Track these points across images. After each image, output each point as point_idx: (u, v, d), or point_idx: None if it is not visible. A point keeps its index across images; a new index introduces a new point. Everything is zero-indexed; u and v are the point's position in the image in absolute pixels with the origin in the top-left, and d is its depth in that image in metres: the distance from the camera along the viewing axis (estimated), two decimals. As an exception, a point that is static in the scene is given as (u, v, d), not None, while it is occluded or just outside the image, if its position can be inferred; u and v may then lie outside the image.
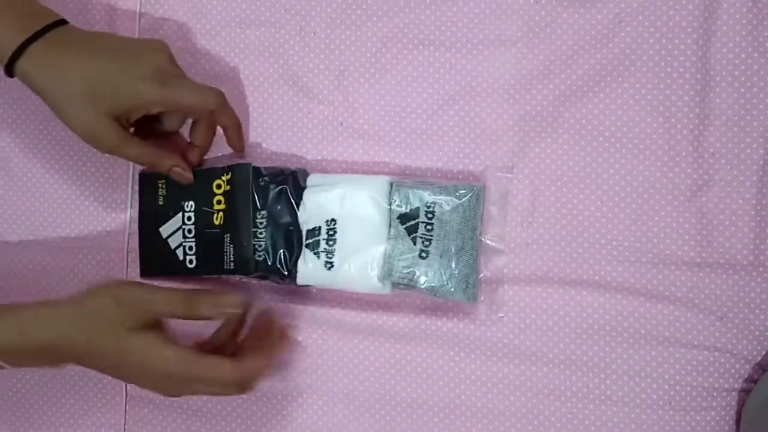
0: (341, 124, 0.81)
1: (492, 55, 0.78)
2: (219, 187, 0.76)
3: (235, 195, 0.75)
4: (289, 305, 0.80)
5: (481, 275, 0.75)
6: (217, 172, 0.76)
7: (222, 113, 0.72)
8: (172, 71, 0.69)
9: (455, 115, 0.79)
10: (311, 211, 0.74)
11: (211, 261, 0.76)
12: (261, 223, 0.75)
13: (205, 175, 0.77)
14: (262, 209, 0.75)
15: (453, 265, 0.72)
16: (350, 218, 0.73)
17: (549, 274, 0.78)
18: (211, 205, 0.76)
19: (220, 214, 0.76)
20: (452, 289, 0.72)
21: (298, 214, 0.74)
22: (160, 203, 0.79)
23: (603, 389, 0.77)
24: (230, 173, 0.75)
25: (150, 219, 0.79)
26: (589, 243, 0.77)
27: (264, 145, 0.82)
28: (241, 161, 0.76)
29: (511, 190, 0.77)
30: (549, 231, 0.78)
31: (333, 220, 0.73)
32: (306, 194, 0.74)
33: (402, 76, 0.80)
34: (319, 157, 0.81)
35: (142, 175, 0.79)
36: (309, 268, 0.73)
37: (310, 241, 0.74)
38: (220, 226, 0.76)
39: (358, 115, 0.81)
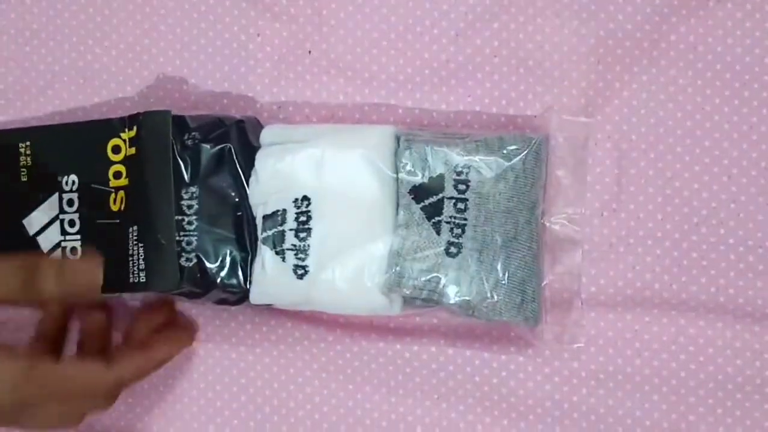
0: (309, 51, 0.62)
1: None
2: (117, 150, 0.58)
3: (144, 161, 0.57)
4: (238, 332, 0.63)
5: (545, 282, 0.59)
6: (113, 126, 0.58)
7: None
8: None
9: (493, 39, 0.61)
10: (269, 186, 0.57)
11: (113, 269, 0.57)
12: (190, 207, 0.57)
13: (93, 133, 0.59)
14: (191, 184, 0.57)
15: (500, 267, 0.56)
16: (333, 195, 0.56)
17: (649, 281, 0.59)
18: (105, 180, 0.58)
19: (120, 194, 0.58)
20: (500, 305, 0.56)
21: (248, 190, 0.58)
22: (23, 179, 0.59)
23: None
24: (135, 127, 0.57)
25: (7, 204, 0.60)
26: (708, 235, 0.59)
27: (192, 81, 0.64)
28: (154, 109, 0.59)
29: (590, 144, 0.59)
30: (644, 219, 0.59)
31: (305, 198, 0.56)
32: (260, 158, 0.57)
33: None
34: (275, 101, 0.63)
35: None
36: (268, 276, 0.57)
37: (270, 233, 0.57)
38: (119, 213, 0.57)
39: (337, 38, 0.62)
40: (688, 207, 0.57)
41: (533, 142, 0.57)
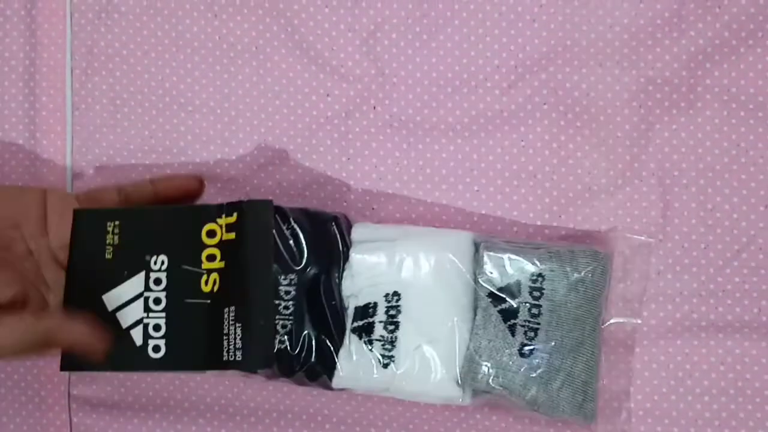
0: (374, 107, 0.68)
1: (595, 2, 0.66)
2: (212, 234, 0.59)
3: (244, 247, 0.58)
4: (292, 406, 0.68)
5: (601, 382, 0.63)
6: (209, 212, 0.59)
7: None
8: None
9: (542, 88, 0.67)
10: (362, 280, 0.61)
11: (196, 349, 0.58)
12: (287, 293, 0.60)
13: (188, 217, 0.60)
14: (290, 271, 0.60)
15: (567, 369, 0.59)
16: (420, 293, 0.60)
17: (696, 305, 0.65)
18: (198, 263, 0.58)
19: (213, 276, 0.58)
20: (563, 404, 0.59)
21: (343, 282, 0.61)
22: (107, 257, 0.59)
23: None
24: (236, 213, 0.58)
25: (86, 280, 0.59)
26: (749, 261, 0.64)
27: (262, 145, 0.69)
28: (254, 198, 0.63)
29: (654, 260, 0.65)
30: (690, 252, 0.65)
31: (396, 293, 0.60)
32: (354, 253, 0.61)
33: (462, 34, 0.66)
34: (347, 160, 0.68)
35: (79, 212, 0.60)
36: (354, 364, 0.60)
37: (360, 323, 0.60)
38: (211, 294, 0.58)
39: (399, 94, 0.67)
40: (729, 236, 0.63)
41: (600, 256, 0.60)
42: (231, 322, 0.57)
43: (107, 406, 0.69)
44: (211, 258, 0.59)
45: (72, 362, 0.58)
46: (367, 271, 0.60)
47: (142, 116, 0.68)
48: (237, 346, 0.57)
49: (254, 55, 0.67)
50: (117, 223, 0.59)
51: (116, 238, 0.59)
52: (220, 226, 0.59)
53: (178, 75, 0.67)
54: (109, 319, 0.58)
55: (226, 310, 0.57)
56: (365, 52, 0.66)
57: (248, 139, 0.67)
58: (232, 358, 0.57)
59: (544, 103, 0.65)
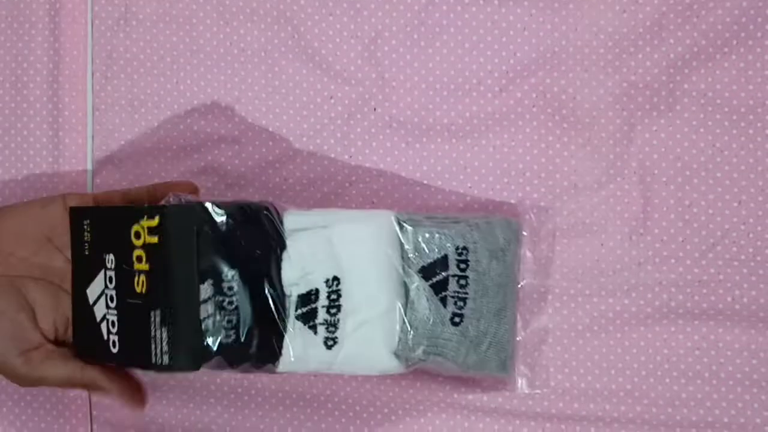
0: (375, 109, 0.72)
1: (581, 9, 0.69)
2: (138, 236, 0.59)
3: (167, 250, 0.58)
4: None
5: (519, 338, 0.69)
6: (135, 213, 0.59)
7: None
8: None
9: (531, 92, 0.70)
10: (302, 268, 0.62)
11: (135, 348, 0.59)
12: (230, 289, 0.59)
13: (122, 217, 0.60)
14: (231, 267, 0.59)
15: (493, 332, 0.64)
16: (357, 275, 0.62)
17: (674, 294, 0.69)
18: (131, 262, 0.59)
19: (142, 277, 0.59)
20: (491, 363, 0.65)
21: (283, 272, 0.62)
22: (86, 252, 0.62)
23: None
24: (158, 217, 0.58)
25: (78, 275, 0.63)
26: (723, 253, 0.68)
27: (270, 144, 0.73)
28: (183, 198, 0.61)
29: (634, 252, 0.69)
30: (669, 245, 0.69)
31: (336, 278, 0.62)
32: (291, 243, 0.62)
33: (457, 41, 0.70)
34: (348, 158, 0.72)
35: (73, 210, 0.63)
36: (301, 349, 0.61)
37: (304, 310, 0.61)
38: (141, 295, 0.59)
39: (398, 96, 0.71)
40: (705, 230, 0.67)
41: (513, 226, 0.66)
42: (157, 326, 0.58)
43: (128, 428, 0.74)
44: (139, 259, 0.59)
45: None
46: (306, 260, 0.62)
47: (158, 116, 0.72)
48: (163, 349, 0.57)
49: (263, 59, 0.71)
50: (88, 221, 0.62)
51: (89, 235, 0.62)
52: (143, 228, 0.58)
53: (191, 78, 0.71)
54: (89, 311, 0.62)
55: (152, 313, 0.58)
56: (366, 57, 0.70)
57: (257, 139, 0.71)
58: (159, 362, 0.58)
59: (533, 106, 0.69)
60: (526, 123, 0.69)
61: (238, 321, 0.59)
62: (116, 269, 0.60)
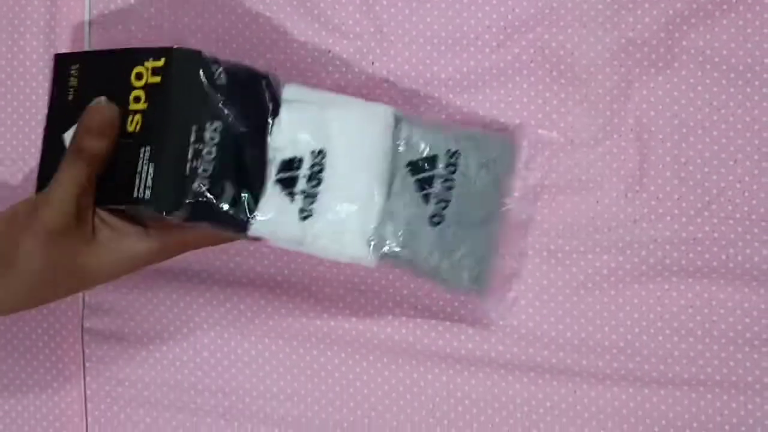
0: (372, 62, 0.72)
1: None
2: (140, 77, 0.59)
3: (167, 92, 0.59)
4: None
5: (497, 260, 0.68)
6: (140, 56, 0.60)
7: None
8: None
9: (529, 47, 0.70)
10: (290, 135, 0.61)
11: (117, 184, 0.59)
12: (212, 139, 0.59)
13: (123, 60, 0.60)
14: (217, 118, 0.59)
15: (471, 242, 0.64)
16: (344, 154, 0.62)
17: (668, 251, 0.69)
18: (126, 104, 0.60)
19: (137, 117, 0.59)
20: (463, 275, 0.65)
21: (270, 136, 0.61)
22: (70, 98, 0.62)
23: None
24: (163, 58, 0.59)
25: (56, 121, 0.63)
26: (719, 211, 0.69)
27: None
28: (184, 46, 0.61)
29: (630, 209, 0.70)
30: (664, 202, 0.69)
31: (321, 152, 0.62)
32: (285, 110, 0.61)
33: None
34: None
35: (58, 57, 0.64)
36: (274, 213, 0.60)
37: (285, 175, 0.61)
38: (133, 134, 0.59)
39: (396, 50, 0.72)
40: (701, 188, 0.67)
41: (508, 144, 0.67)
42: (145, 162, 0.58)
43: (118, 338, 0.75)
44: (137, 100, 0.59)
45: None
46: (295, 127, 0.61)
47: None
48: (147, 184, 0.58)
49: (261, 12, 0.71)
50: (77, 66, 0.62)
51: (75, 80, 0.62)
52: (147, 69, 0.59)
53: (189, 30, 0.72)
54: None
55: (143, 149, 0.59)
56: (365, 11, 0.71)
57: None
58: (141, 195, 0.58)
59: (531, 62, 0.69)
60: (523, 78, 0.70)
61: (213, 172, 0.59)
62: None
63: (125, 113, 0.59)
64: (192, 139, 0.58)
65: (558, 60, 0.69)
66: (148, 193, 0.57)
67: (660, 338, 0.68)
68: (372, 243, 0.61)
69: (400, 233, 0.62)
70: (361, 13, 0.70)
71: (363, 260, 0.62)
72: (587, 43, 0.69)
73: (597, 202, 0.68)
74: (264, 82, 0.61)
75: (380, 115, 0.63)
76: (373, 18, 0.70)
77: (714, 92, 0.68)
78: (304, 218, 0.61)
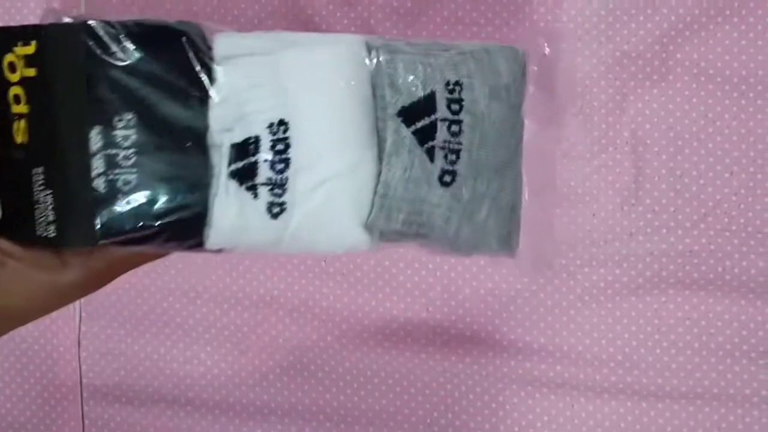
0: None
1: None
2: (13, 68, 0.45)
3: (48, 86, 0.44)
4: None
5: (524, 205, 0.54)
6: (7, 38, 0.45)
7: None
8: None
9: (532, 58, 0.65)
10: (235, 107, 0.46)
11: (19, 215, 0.46)
12: (126, 138, 0.44)
13: None
14: (126, 109, 0.44)
15: (494, 195, 0.49)
16: (311, 118, 0.46)
17: (665, 264, 0.69)
18: (6, 105, 0.45)
19: (22, 123, 0.45)
20: (489, 238, 0.50)
21: (210, 112, 0.46)
22: None
23: None
24: (34, 42, 0.44)
25: None
26: (715, 224, 0.68)
27: None
28: (70, 15, 0.45)
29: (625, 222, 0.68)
30: (660, 215, 0.69)
31: (282, 122, 0.46)
32: (222, 73, 0.46)
33: (450, 10, 0.70)
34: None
35: None
36: (235, 217, 0.46)
37: (240, 165, 0.46)
38: (23, 147, 0.45)
39: None
40: (697, 200, 0.68)
41: (519, 55, 0.51)
42: (40, 188, 0.45)
43: (117, 395, 0.75)
44: (17, 99, 0.45)
45: None
46: (242, 96, 0.46)
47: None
48: (49, 218, 0.45)
49: (256, 27, 0.71)
50: None
51: None
52: (18, 58, 0.45)
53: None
54: None
55: (35, 171, 0.45)
56: (359, 25, 0.70)
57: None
58: (44, 234, 0.45)
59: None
60: (519, 92, 0.69)
61: (139, 182, 0.45)
62: None
63: (7, 117, 0.45)
64: (97, 146, 0.44)
65: (553, 73, 0.69)
66: (52, 229, 0.45)
67: (657, 351, 0.68)
68: (370, 226, 0.47)
69: (404, 205, 0.48)
70: (356, 27, 0.71)
71: (361, 247, 0.48)
72: (581, 56, 0.69)
73: (593, 215, 0.68)
74: (184, 40, 0.45)
75: (347, 49, 0.47)
76: (369, 32, 0.70)
77: (709, 104, 0.68)
78: (276, 215, 0.46)
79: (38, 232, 0.44)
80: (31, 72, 0.44)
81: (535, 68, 0.50)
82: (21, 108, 0.44)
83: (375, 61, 0.47)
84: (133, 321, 0.73)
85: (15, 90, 0.44)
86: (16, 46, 0.44)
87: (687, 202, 0.68)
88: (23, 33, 0.43)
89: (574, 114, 0.69)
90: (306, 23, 0.71)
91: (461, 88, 0.48)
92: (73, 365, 0.74)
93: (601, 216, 0.68)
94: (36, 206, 0.44)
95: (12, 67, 0.44)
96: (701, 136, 0.68)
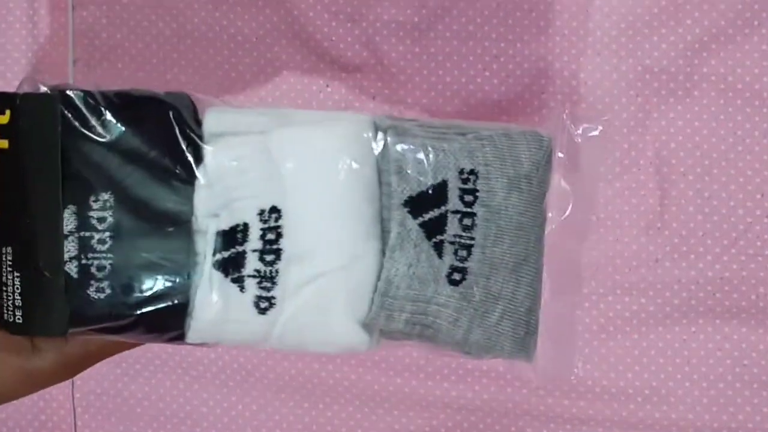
0: (373, 97, 0.69)
1: None
2: None
3: (20, 160, 0.42)
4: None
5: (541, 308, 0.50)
6: None
7: None
8: None
9: (540, 77, 0.67)
10: (225, 191, 0.44)
11: None
12: (101, 220, 0.43)
13: None
14: (103, 189, 0.43)
15: (508, 296, 0.46)
16: (308, 205, 0.44)
17: (694, 291, 0.66)
18: None
19: None
20: (503, 341, 0.46)
21: (196, 195, 0.44)
22: None
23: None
24: (8, 111, 0.42)
25: None
26: (746, 248, 0.66)
27: None
28: (47, 85, 0.43)
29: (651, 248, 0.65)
30: (688, 240, 0.66)
31: (275, 209, 0.44)
32: (210, 151, 0.44)
33: (460, 24, 0.67)
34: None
35: None
36: (218, 312, 0.44)
37: (226, 255, 0.44)
38: None
39: (398, 83, 0.68)
40: (726, 223, 0.65)
41: (545, 142, 0.47)
42: (8, 269, 0.43)
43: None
44: None
45: None
46: (231, 180, 0.44)
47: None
48: (16, 303, 0.43)
49: (254, 45, 0.68)
50: None
51: None
52: None
53: (179, 66, 0.69)
54: None
55: (3, 251, 0.43)
56: (364, 42, 0.67)
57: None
58: (11, 319, 0.43)
59: (542, 93, 0.67)
60: (534, 110, 0.67)
61: (114, 269, 0.43)
62: None
63: None
64: (70, 227, 0.42)
65: (571, 90, 0.66)
66: (19, 315, 0.42)
67: (687, 384, 0.64)
68: (369, 325, 0.45)
69: (407, 304, 0.45)
70: (360, 44, 0.68)
71: (359, 348, 0.45)
72: (601, 72, 0.66)
73: (616, 240, 0.65)
74: (171, 114, 0.43)
75: (352, 129, 0.44)
76: (374, 50, 0.68)
77: (738, 121, 0.65)
78: (264, 310, 0.44)
79: (5, 317, 0.42)
80: (3, 144, 0.42)
81: (562, 155, 0.46)
82: None
83: (382, 143, 0.44)
84: (130, 360, 0.70)
85: None
86: None
87: (716, 225, 0.65)
88: (3, 98, 0.42)
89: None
90: (307, 41, 0.67)
91: (476, 178, 0.45)
92: (66, 407, 0.71)
93: (625, 241, 0.65)
94: (3, 288, 0.42)
95: None
96: (730, 155, 0.65)
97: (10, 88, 0.68)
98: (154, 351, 0.69)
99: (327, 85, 0.68)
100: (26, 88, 0.42)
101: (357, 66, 0.68)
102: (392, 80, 0.68)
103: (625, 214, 0.65)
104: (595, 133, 0.46)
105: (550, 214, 0.46)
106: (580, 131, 0.47)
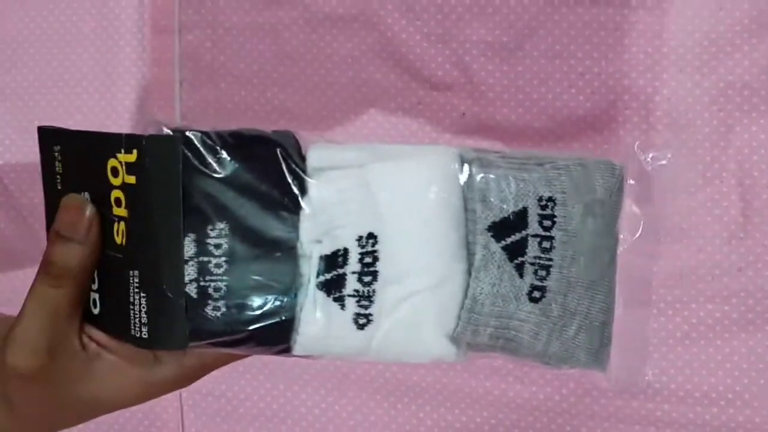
0: (463, 114, 0.72)
1: (675, 10, 0.68)
2: (116, 173, 0.47)
3: (146, 195, 0.46)
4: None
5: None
6: (111, 144, 0.47)
7: None
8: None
9: (624, 93, 0.70)
10: (327, 220, 0.48)
11: (116, 313, 0.48)
12: (218, 247, 0.47)
13: (99, 146, 0.48)
14: (220, 219, 0.47)
15: (584, 311, 0.50)
16: (401, 232, 0.48)
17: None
18: (109, 206, 0.48)
19: (122, 226, 0.47)
20: (579, 353, 0.50)
21: (302, 224, 0.48)
22: (59, 186, 0.50)
23: None
24: (135, 151, 0.46)
25: (52, 213, 0.50)
26: None
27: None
28: (171, 127, 0.47)
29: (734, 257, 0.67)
30: None
31: (372, 236, 0.48)
32: (314, 184, 0.48)
33: (547, 44, 0.70)
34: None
35: (41, 130, 0.51)
36: (322, 327, 0.48)
37: (329, 276, 0.48)
38: (122, 248, 0.47)
39: (487, 100, 0.71)
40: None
41: (617, 171, 0.50)
42: (136, 290, 0.47)
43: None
44: (118, 202, 0.47)
45: None
46: (332, 209, 0.48)
47: (246, 125, 0.73)
48: (143, 320, 0.47)
49: (350, 66, 0.72)
50: (59, 147, 0.49)
51: (60, 165, 0.50)
52: (121, 164, 0.46)
53: (278, 85, 0.73)
54: None
55: (131, 273, 0.47)
56: (454, 62, 0.71)
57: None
58: (138, 335, 0.47)
59: (626, 108, 0.69)
60: (618, 125, 0.69)
61: (229, 290, 0.47)
62: (97, 209, 0.49)
63: (110, 218, 0.47)
64: (190, 253, 0.46)
65: (654, 106, 0.68)
66: (145, 331, 0.47)
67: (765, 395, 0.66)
68: (456, 339, 0.49)
69: (491, 320, 0.49)
70: (451, 64, 0.71)
71: (447, 360, 0.49)
72: (684, 88, 0.68)
73: (699, 250, 0.67)
74: (279, 151, 0.47)
75: (440, 162, 0.48)
76: (464, 69, 0.71)
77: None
78: (362, 326, 0.48)
79: (132, 332, 0.47)
80: (131, 179, 0.46)
81: (633, 182, 0.50)
82: (121, 211, 0.46)
83: (467, 174, 0.48)
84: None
85: (116, 193, 0.46)
86: (120, 152, 0.45)
87: (798, 235, 0.67)
88: (127, 141, 0.45)
89: (677, 147, 0.68)
90: (400, 62, 0.71)
91: (554, 204, 0.48)
92: (174, 406, 0.75)
93: (708, 251, 0.67)
94: (131, 307, 0.46)
95: (114, 172, 0.46)
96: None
97: (122, 108, 0.74)
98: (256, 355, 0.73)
99: (419, 103, 0.71)
100: (151, 130, 0.46)
101: (448, 85, 0.71)
102: (481, 98, 0.70)
103: (708, 225, 0.67)
104: (664, 162, 0.49)
105: (622, 236, 0.50)
106: (650, 159, 0.50)
